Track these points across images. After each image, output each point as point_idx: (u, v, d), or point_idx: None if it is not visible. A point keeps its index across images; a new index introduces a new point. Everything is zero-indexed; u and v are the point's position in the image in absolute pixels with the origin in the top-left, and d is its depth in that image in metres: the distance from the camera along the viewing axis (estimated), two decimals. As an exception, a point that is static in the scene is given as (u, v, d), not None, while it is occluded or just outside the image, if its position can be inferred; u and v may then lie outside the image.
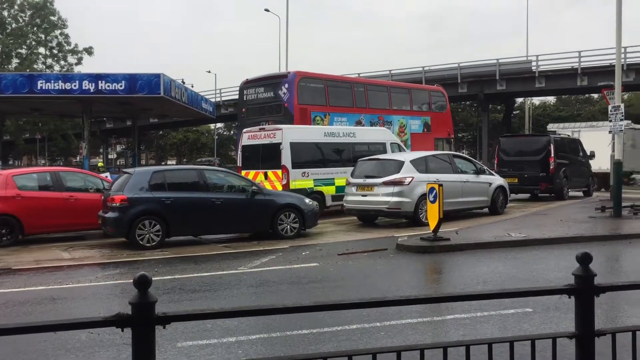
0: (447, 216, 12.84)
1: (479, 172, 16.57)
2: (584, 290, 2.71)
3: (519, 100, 55.89)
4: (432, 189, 11.19)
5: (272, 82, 20.48)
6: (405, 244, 11.09)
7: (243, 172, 16.73)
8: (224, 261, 10.21)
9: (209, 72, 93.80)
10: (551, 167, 20.35)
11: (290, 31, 49.12)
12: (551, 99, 72.33)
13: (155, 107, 29.28)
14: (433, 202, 11.07)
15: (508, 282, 8.13)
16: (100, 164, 45.70)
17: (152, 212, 11.64)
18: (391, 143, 18.85)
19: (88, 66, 59.52)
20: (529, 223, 14.09)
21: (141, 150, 61.10)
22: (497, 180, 16.92)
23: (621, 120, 15.13)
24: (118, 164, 66.18)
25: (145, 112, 33.93)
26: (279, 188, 15.75)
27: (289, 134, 16.43)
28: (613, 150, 16.35)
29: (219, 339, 5.58)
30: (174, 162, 79.51)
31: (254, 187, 12.92)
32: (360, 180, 14.91)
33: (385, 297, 2.78)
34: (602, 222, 14.15)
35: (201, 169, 13.59)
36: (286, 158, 16.16)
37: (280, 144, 16.18)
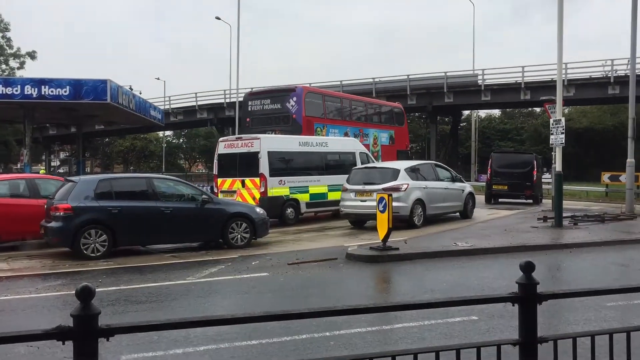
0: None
1: (454, 179, 18.18)
2: (527, 298, 2.78)
3: (466, 112, 57.26)
4: (381, 199, 11.30)
5: (279, 95, 21.98)
6: (355, 254, 11.15)
7: (219, 180, 17.38)
8: (171, 271, 10.02)
9: (158, 79, 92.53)
10: (534, 179, 25.05)
11: (241, 39, 49.05)
12: (496, 112, 74.41)
13: (101, 114, 28.59)
14: (383, 211, 11.18)
15: (454, 290, 8.27)
16: (42, 172, 44.22)
17: (98, 222, 11.35)
18: (360, 152, 19.99)
19: (31, 71, 57.72)
20: (475, 233, 14.41)
21: (86, 158, 59.50)
22: (468, 187, 18.76)
23: (562, 133, 15.70)
24: (61, 171, 64.18)
25: (91, 119, 33.08)
26: (257, 195, 16.39)
27: (266, 143, 16.98)
28: (554, 162, 16.94)
29: (165, 351, 5.46)
30: (120, 169, 77.72)
31: (204, 196, 12.74)
32: (359, 187, 15.93)
33: (334, 307, 2.77)
34: (544, 231, 14.60)
35: (150, 177, 13.34)
36: (264, 166, 16.65)
37: (258, 152, 16.69)
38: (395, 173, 16.03)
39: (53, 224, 11.33)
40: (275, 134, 19.09)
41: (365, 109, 26.48)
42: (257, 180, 16.60)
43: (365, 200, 15.50)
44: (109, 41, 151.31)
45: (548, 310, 6.44)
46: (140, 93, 38.24)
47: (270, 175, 16.75)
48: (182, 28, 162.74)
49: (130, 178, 14.74)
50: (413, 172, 16.47)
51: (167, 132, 76.85)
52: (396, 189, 15.22)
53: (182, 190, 12.95)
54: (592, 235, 13.72)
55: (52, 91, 22.20)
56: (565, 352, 2.93)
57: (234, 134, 47.10)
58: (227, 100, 52.61)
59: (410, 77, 45.37)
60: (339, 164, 19.02)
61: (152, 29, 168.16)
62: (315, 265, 10.39)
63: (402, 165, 16.96)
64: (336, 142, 20.02)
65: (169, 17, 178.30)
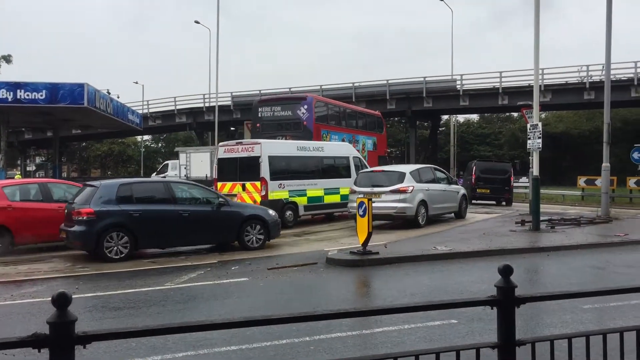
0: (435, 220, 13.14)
1: (450, 182, 19.49)
2: (506, 301, 2.81)
3: (445, 117, 57.72)
4: (361, 203, 11.33)
5: (289, 102, 23.44)
6: (335, 258, 11.15)
7: (219, 184, 17.82)
8: (150, 277, 9.92)
9: (136, 83, 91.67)
10: (511, 184, 29.34)
11: (221, 44, 48.91)
12: (475, 117, 75.11)
13: (78, 118, 28.27)
14: (363, 216, 11.19)
15: (434, 294, 8.32)
16: (18, 176, 43.54)
17: (120, 225, 11.60)
18: (353, 157, 20.83)
19: (6, 75, 56.77)
20: (454, 236, 14.51)
21: (62, 163, 58.74)
22: (462, 189, 20.14)
23: (539, 138, 15.90)
24: (37, 176, 63.25)
25: (68, 123, 32.65)
26: (258, 199, 16.82)
27: (267, 148, 17.53)
28: (532, 167, 17.15)
29: (143, 358, 5.40)
30: (97, 174, 76.83)
31: (220, 199, 13.08)
32: (368, 189, 16.69)
33: (314, 312, 2.77)
34: (522, 235, 14.76)
35: (168, 181, 13.52)
36: (265, 170, 17.17)
37: (259, 157, 17.20)
38: (401, 176, 17.08)
39: (76, 227, 11.50)
40: (286, 139, 20.05)
41: (356, 116, 28.34)
42: (257, 183, 17.05)
43: (374, 202, 15.87)
44: (86, 45, 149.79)
45: (526, 313, 6.51)
46: (118, 97, 37.89)
47: (271, 179, 17.25)
48: (161, 32, 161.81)
49: (150, 182, 14.90)
50: (417, 175, 17.56)
51: (146, 137, 76.21)
52: (403, 191, 16.46)
53: (198, 193, 13.20)
54: (569, 239, 13.89)
55: (28, 95, 21.89)
56: (543, 354, 2.96)
57: (213, 138, 47.02)
58: (207, 105, 52.38)
59: (389, 82, 45.62)
60: (334, 168, 19.90)
61: (130, 33, 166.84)
62: (296, 270, 10.37)
63: (407, 168, 18.20)
64: (331, 147, 20.76)
65: (148, 20, 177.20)
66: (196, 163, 32.38)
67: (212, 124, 43.79)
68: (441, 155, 56.86)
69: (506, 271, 2.82)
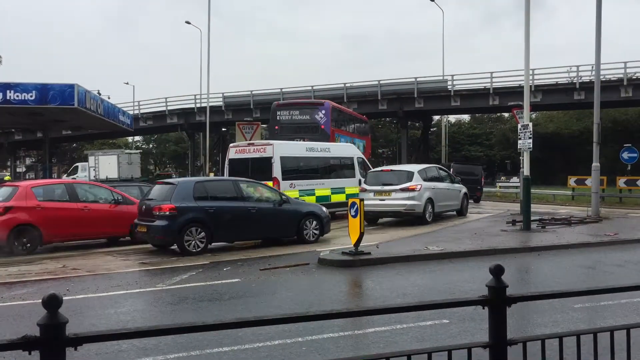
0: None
1: (453, 180, 20.51)
2: (497, 301, 2.82)
3: (436, 117, 57.87)
4: (353, 204, 11.33)
5: (307, 107, 24.82)
6: (327, 259, 11.15)
7: None
8: (141, 278, 9.88)
9: (127, 83, 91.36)
10: (482, 184, 32.17)
11: (212, 44, 48.70)
12: (466, 117, 75.39)
13: (68, 119, 28.06)
14: (354, 216, 11.20)
15: (426, 294, 8.33)
16: (7, 178, 43.26)
17: (198, 220, 12.40)
18: (357, 157, 21.55)
19: (-5, 75, 56.34)
20: (446, 236, 14.55)
21: (53, 164, 58.42)
22: (463, 188, 21.17)
23: (529, 138, 15.97)
24: (27, 177, 62.86)
25: (58, 124, 32.41)
26: None
27: (279, 149, 18.24)
28: (522, 167, 17.22)
29: (135, 360, 5.38)
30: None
31: (283, 197, 14.10)
32: (378, 187, 17.89)
33: (307, 312, 2.77)
34: (513, 235, 14.81)
35: (237, 180, 14.42)
36: (277, 170, 17.80)
37: (271, 157, 17.87)
38: (410, 175, 18.07)
39: (158, 222, 12.22)
40: (304, 141, 21.07)
41: (354, 121, 30.34)
42: (270, 183, 17.23)
43: (384, 199, 17.68)
44: (76, 45, 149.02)
45: (517, 312, 6.55)
46: (109, 98, 37.77)
47: (283, 179, 17.87)
48: (152, 32, 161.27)
49: (220, 181, 15.59)
50: (424, 173, 18.54)
51: (137, 137, 75.87)
52: (412, 189, 17.44)
53: (263, 191, 14.06)
54: (559, 238, 13.96)
55: (17, 96, 21.69)
56: (535, 354, 2.97)
57: (205, 139, 46.90)
58: (198, 105, 52.23)
59: (381, 82, 45.69)
60: (340, 169, 20.72)
61: (121, 33, 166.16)
62: (288, 270, 10.37)
63: (415, 167, 19.20)
64: (337, 148, 21.54)
65: (139, 21, 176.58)
66: (104, 165, 35.24)
67: (204, 125, 43.70)
68: (433, 156, 57.02)
69: (497, 271, 2.84)
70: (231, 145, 19.87)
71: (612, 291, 3.42)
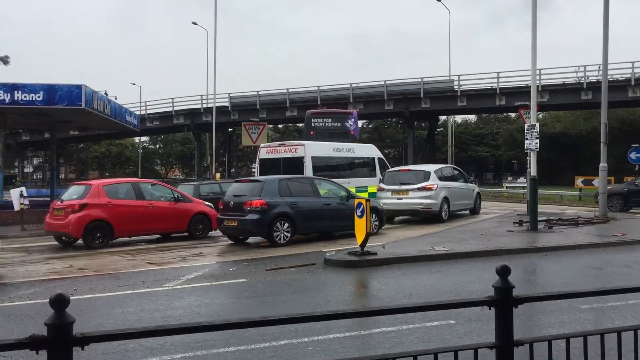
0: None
1: (466, 180, 21.20)
2: (503, 301, 2.81)
3: (443, 117, 57.78)
4: (359, 204, 11.32)
5: (339, 115, 26.90)
6: (333, 259, 11.14)
7: None
8: (148, 278, 9.91)
9: (134, 84, 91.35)
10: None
11: (218, 44, 48.63)
12: (472, 117, 75.21)
13: (76, 119, 28.13)
14: (360, 217, 11.19)
15: (432, 294, 8.31)
16: (17, 181, 43.45)
17: (284, 214, 13.68)
18: (378, 158, 22.51)
19: (3, 76, 56.73)
20: (452, 237, 14.52)
21: (60, 164, 58.67)
22: (476, 187, 21.93)
23: (536, 138, 15.90)
24: (35, 178, 63.17)
25: (65, 125, 32.52)
26: None
27: (310, 149, 19.26)
28: (529, 167, 17.16)
29: (141, 360, 5.39)
30: (95, 176, 76.73)
31: (349, 193, 15.25)
32: (396, 187, 18.56)
33: (313, 312, 2.77)
34: (519, 235, 14.76)
35: (311, 177, 15.92)
36: (309, 170, 18.59)
37: (302, 157, 18.85)
38: (427, 175, 18.72)
39: (250, 216, 13.42)
40: (331, 142, 22.16)
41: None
42: None
43: (401, 198, 18.38)
44: (83, 46, 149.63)
45: (524, 313, 6.53)
46: (116, 98, 37.85)
47: None
48: (159, 33, 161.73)
49: (299, 178, 16.14)
50: (440, 173, 19.23)
51: (143, 138, 76.13)
52: (429, 188, 18.09)
53: (332, 188, 15.35)
54: (566, 239, 13.90)
55: (25, 96, 21.77)
56: (541, 354, 2.96)
57: (211, 139, 46.99)
58: (205, 106, 52.34)
59: (387, 82, 45.62)
60: (363, 168, 21.76)
61: (127, 34, 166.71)
62: (294, 270, 10.37)
63: (431, 167, 19.86)
64: (361, 149, 22.74)
65: (145, 22, 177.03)
66: None
67: (210, 125, 43.81)
68: (439, 156, 56.94)
69: (504, 271, 2.83)
70: (262, 145, 21.15)
71: (619, 292, 3.40)
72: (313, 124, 27.34)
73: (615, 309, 7.12)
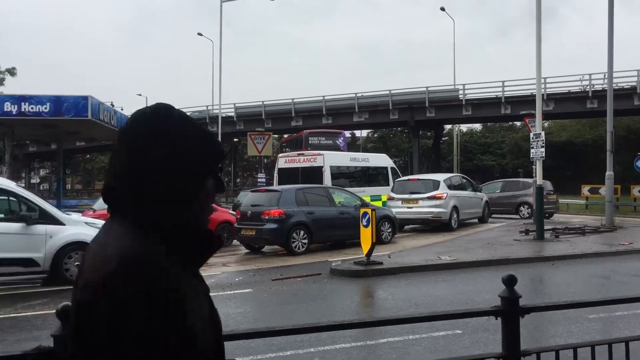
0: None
1: (475, 189, 21.38)
2: (510, 311, 2.80)
3: (448, 127, 57.67)
4: (365, 214, 11.32)
5: (330, 134, 29.12)
6: (338, 269, 11.12)
7: None
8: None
9: (140, 95, 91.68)
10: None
11: (224, 56, 48.88)
12: (477, 126, 75.07)
13: (82, 130, 28.29)
14: (366, 226, 11.18)
15: (439, 304, 8.28)
16: (22, 189, 43.64)
17: (301, 223, 13.89)
18: (390, 167, 23.16)
19: (10, 88, 57.10)
20: (458, 246, 14.48)
21: (66, 175, 58.90)
22: (484, 196, 21.86)
23: (542, 147, 15.88)
24: (41, 189, 63.39)
25: (72, 135, 32.71)
26: None
27: (329, 159, 20.08)
28: (535, 175, 17.11)
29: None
30: (102, 186, 76.92)
31: (363, 202, 15.27)
32: (406, 196, 18.74)
33: (319, 323, 2.77)
34: (526, 244, 14.70)
35: (327, 187, 16.24)
36: (327, 179, 19.21)
37: (322, 167, 19.60)
38: (436, 184, 18.88)
39: (268, 225, 13.54)
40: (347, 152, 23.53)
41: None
42: None
43: (411, 207, 18.56)
44: (90, 57, 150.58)
45: (531, 323, 6.48)
46: (122, 109, 38.01)
47: None
48: (165, 44, 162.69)
49: (315, 187, 16.38)
50: (449, 182, 19.46)
51: (149, 148, 76.20)
52: (439, 197, 18.22)
53: (346, 196, 15.63)
54: (573, 248, 13.83)
55: (32, 108, 21.93)
56: (549, 364, 2.95)
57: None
58: (210, 115, 52.48)
59: (392, 92, 45.62)
60: (376, 177, 22.34)
61: (133, 45, 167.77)
62: (300, 280, 10.35)
63: (441, 176, 20.15)
64: (375, 158, 23.58)
65: (151, 33, 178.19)
66: None
67: (215, 135, 43.86)
68: (444, 165, 56.83)
69: (510, 281, 2.82)
70: (280, 155, 22.22)
71: (627, 301, 3.39)
72: (310, 142, 29.11)
73: (623, 319, 7.07)
